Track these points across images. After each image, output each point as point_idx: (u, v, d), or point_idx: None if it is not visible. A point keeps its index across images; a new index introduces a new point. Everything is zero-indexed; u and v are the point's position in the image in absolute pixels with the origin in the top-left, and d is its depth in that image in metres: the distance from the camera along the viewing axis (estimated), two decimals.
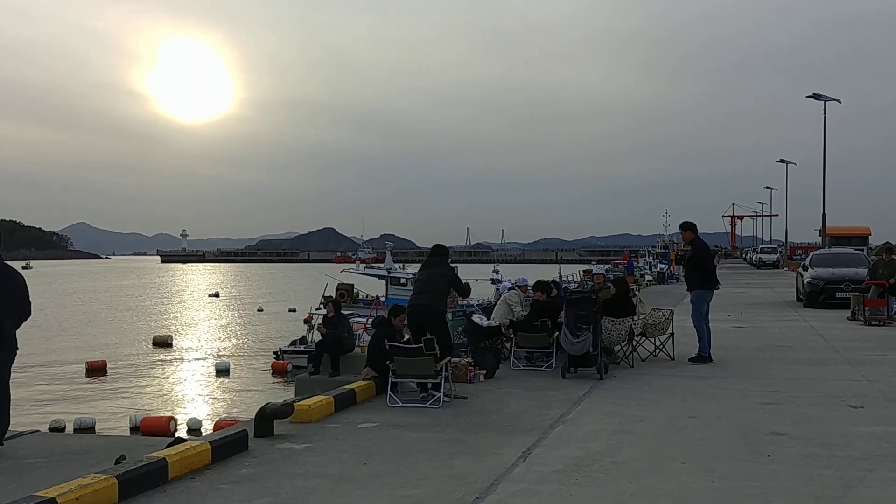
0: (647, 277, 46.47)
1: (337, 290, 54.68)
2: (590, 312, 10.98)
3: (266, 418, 7.53)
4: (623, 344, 12.18)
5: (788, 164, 70.30)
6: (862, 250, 36.30)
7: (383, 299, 41.67)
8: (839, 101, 44.23)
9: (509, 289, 14.06)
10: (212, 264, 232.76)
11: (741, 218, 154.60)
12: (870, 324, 18.38)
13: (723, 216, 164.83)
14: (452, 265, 11.49)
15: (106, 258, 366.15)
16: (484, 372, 10.85)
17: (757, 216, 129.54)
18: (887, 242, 75.21)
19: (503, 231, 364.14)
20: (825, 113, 43.81)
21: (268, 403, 7.80)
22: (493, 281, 64.79)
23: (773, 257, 66.87)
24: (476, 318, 12.61)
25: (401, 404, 9.10)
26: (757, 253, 72.97)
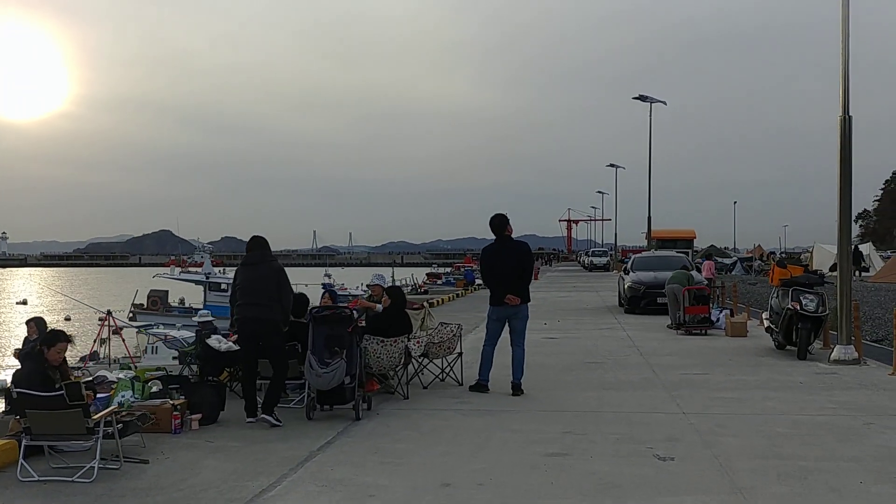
0: (479, 281, 44.78)
1: (149, 297, 50.31)
2: (344, 333, 8.50)
3: None
4: (398, 368, 9.78)
5: (618, 169, 71.05)
6: (686, 253, 35.87)
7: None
8: (665, 102, 44.16)
9: None
10: (34, 269, 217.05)
11: (576, 222, 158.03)
12: (691, 333, 16.91)
13: (559, 220, 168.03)
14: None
15: None
16: (199, 417, 8.15)
17: (591, 220, 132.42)
18: (712, 245, 77.13)
19: (350, 234, 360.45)
20: (651, 115, 43.59)
21: None
22: (325, 286, 61.87)
23: (604, 260, 67.47)
24: (214, 339, 9.82)
25: (37, 478, 6.27)
26: (588, 256, 73.48)
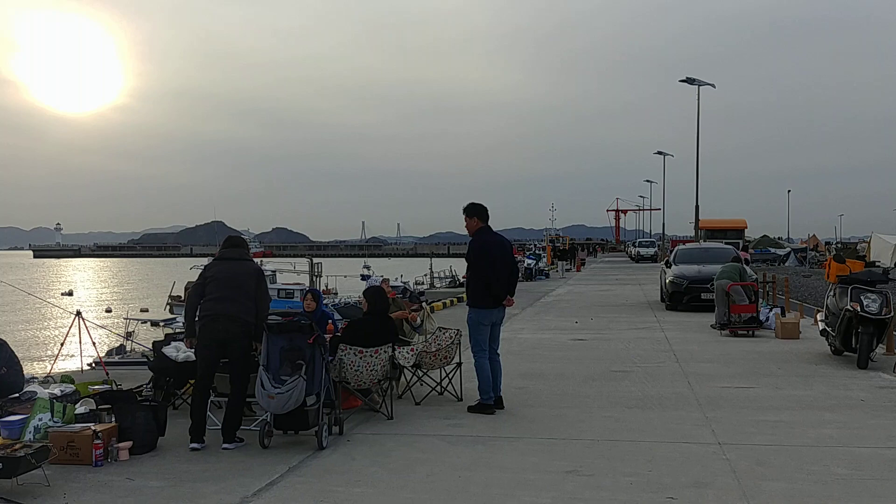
0: None
1: (186, 289, 49.66)
2: (304, 345, 7.09)
3: None
4: (381, 383, 8.32)
5: (666, 156, 68.84)
6: (736, 245, 33.90)
7: None
8: (713, 85, 41.98)
9: None
10: (88, 259, 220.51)
11: (624, 212, 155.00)
12: (736, 334, 15.23)
13: (607, 210, 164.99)
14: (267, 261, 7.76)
15: None
16: (128, 445, 6.81)
17: (639, 210, 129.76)
18: (764, 236, 74.57)
19: (399, 225, 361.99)
20: (699, 98, 41.50)
21: None
22: (364, 277, 60.78)
23: (651, 251, 65.35)
24: (171, 348, 8.50)
25: None
26: (635, 247, 71.37)
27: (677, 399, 9.19)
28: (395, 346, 8.68)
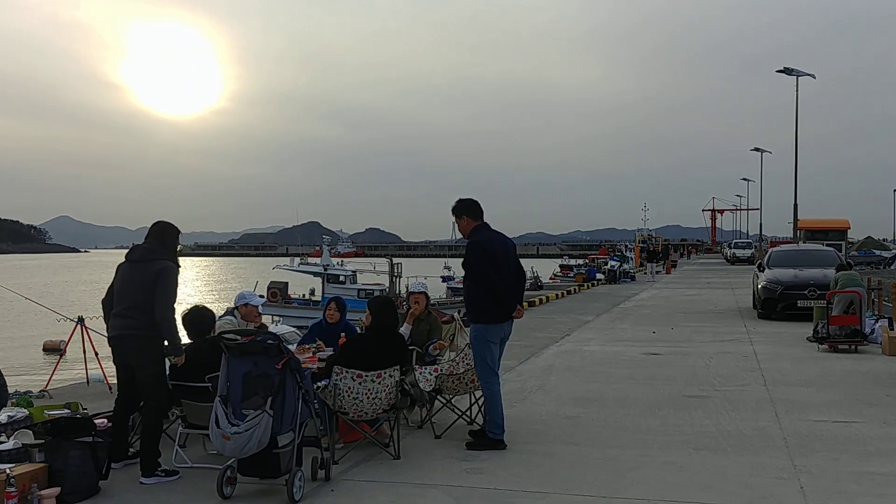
0: (599, 276, 41.11)
1: (269, 289, 49.47)
2: (271, 371, 5.66)
3: None
4: (388, 413, 6.86)
5: (764, 153, 65.41)
6: (839, 247, 31.24)
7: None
8: (813, 76, 39.09)
9: (222, 315, 8.60)
10: (187, 259, 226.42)
11: (721, 212, 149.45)
12: (836, 349, 13.22)
13: (703, 210, 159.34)
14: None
15: (84, 252, 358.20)
16: (55, 493, 5.52)
17: (736, 210, 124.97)
18: (869, 237, 70.39)
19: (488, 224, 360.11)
20: (797, 90, 38.65)
21: None
22: (444, 278, 59.56)
23: (748, 252, 62.06)
24: None
25: None
26: (731, 248, 68.10)
27: (760, 437, 7.44)
28: (415, 367, 7.28)
